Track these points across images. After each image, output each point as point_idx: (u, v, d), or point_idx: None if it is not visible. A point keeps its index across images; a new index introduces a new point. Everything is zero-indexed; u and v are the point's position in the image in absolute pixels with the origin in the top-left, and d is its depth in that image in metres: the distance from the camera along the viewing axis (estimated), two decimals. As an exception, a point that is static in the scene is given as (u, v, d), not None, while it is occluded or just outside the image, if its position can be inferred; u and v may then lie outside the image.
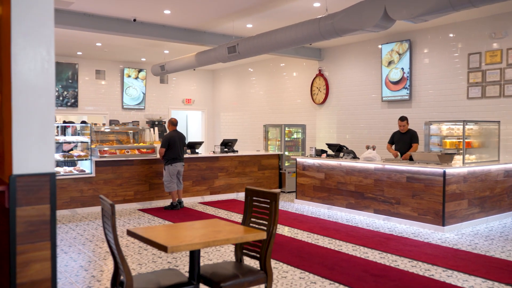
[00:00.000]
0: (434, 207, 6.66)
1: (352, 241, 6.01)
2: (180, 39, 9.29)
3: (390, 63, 9.87)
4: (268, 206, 3.40)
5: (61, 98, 12.81)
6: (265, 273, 3.28)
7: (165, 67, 11.01)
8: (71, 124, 9.49)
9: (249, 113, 14.13)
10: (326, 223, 7.16)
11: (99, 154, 8.21)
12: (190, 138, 16.62)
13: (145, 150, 8.82)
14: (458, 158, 7.36)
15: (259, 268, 3.35)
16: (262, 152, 10.68)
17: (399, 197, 7.18)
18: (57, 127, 8.89)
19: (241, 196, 9.97)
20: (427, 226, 6.75)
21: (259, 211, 3.49)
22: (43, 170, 2.26)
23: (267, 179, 10.50)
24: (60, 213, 7.82)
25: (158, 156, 8.53)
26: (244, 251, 3.53)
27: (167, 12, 8.10)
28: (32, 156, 2.24)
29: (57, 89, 12.76)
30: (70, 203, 7.94)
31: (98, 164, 8.17)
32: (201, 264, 3.99)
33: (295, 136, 11.14)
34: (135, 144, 8.92)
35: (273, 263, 5.02)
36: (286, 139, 10.93)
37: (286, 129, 10.91)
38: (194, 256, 3.11)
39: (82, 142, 8.17)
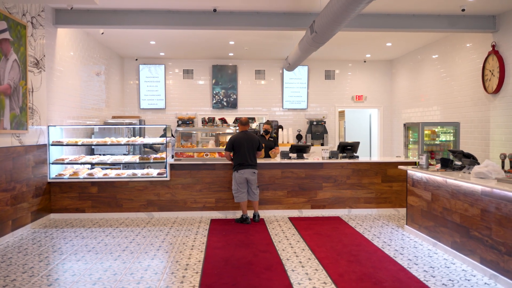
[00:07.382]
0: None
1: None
2: (268, 25, 7.97)
3: None
4: None
5: (221, 99, 13.02)
6: None
7: (288, 60, 9.77)
8: (137, 126, 9.37)
9: (426, 108, 11.29)
10: (388, 278, 4.79)
11: (175, 157, 7.77)
12: (373, 141, 14.60)
13: (227, 154, 7.91)
14: None
15: None
16: (391, 159, 8.23)
17: (512, 243, 4.22)
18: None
19: (354, 213, 7.92)
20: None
21: None
22: None
23: (396, 195, 8.04)
24: (136, 215, 7.73)
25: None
26: None
27: (235, -5, 7.03)
28: None
29: (216, 91, 13.03)
30: (147, 206, 7.77)
31: (174, 167, 7.74)
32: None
33: (442, 138, 8.21)
34: (214, 147, 8.10)
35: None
36: (430, 142, 8.16)
37: (427, 128, 8.14)
38: None
39: (156, 144, 7.87)
